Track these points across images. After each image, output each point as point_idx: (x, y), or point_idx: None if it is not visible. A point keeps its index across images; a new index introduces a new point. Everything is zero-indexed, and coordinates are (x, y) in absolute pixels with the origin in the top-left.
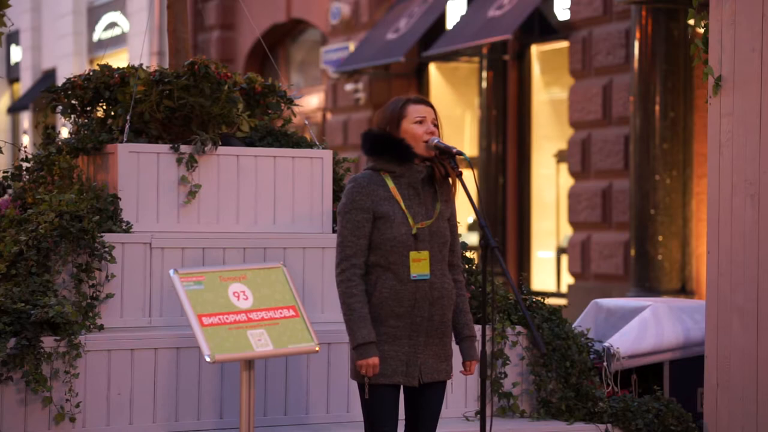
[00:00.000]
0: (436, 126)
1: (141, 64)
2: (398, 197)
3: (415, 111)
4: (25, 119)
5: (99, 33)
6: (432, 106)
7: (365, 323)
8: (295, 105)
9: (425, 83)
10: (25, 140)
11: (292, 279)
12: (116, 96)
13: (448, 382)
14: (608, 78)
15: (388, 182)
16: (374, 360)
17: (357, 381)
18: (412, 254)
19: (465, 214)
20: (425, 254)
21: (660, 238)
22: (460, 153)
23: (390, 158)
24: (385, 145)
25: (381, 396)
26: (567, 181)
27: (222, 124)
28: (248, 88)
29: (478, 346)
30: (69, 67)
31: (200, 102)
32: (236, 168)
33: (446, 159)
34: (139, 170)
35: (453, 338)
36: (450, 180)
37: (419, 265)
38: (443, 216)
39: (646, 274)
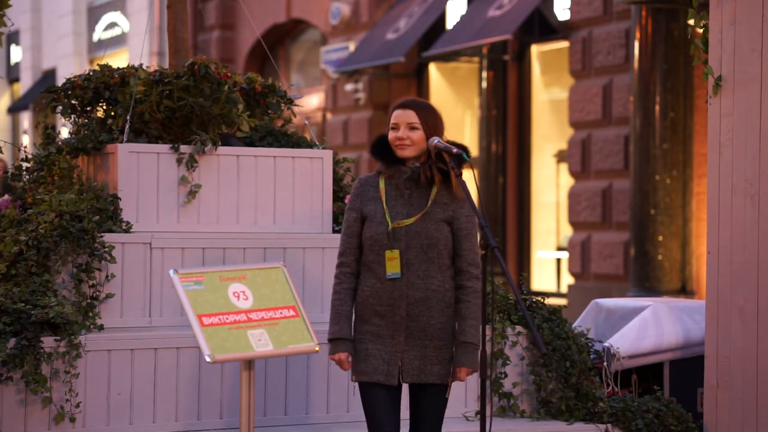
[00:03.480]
0: (417, 128)
1: (141, 64)
2: (383, 197)
3: (392, 117)
4: (25, 119)
5: (99, 33)
6: (414, 108)
7: (338, 320)
8: (295, 105)
9: (425, 83)
10: (25, 140)
11: (292, 279)
12: (116, 96)
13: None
14: (608, 78)
15: (380, 183)
16: (340, 356)
17: (353, 381)
18: (387, 253)
19: None
20: (396, 253)
21: (660, 238)
22: (461, 153)
23: (380, 160)
24: (377, 148)
25: (370, 394)
26: (567, 181)
27: (222, 124)
28: (248, 88)
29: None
30: (69, 67)
31: (200, 102)
32: (236, 168)
33: (437, 162)
34: (139, 170)
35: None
36: (452, 182)
37: (391, 264)
38: (433, 217)
39: (646, 274)
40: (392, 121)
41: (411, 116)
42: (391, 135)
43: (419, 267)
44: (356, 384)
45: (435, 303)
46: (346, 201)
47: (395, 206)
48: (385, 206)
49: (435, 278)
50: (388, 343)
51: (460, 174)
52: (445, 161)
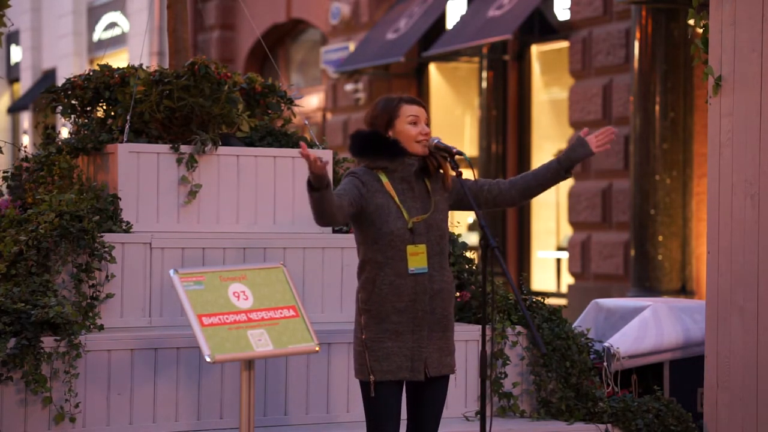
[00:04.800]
0: (428, 125)
1: (141, 64)
2: (392, 192)
3: (408, 111)
4: (25, 119)
5: (99, 33)
6: (424, 106)
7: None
8: (295, 105)
9: (425, 83)
10: (25, 140)
11: (292, 279)
12: (116, 96)
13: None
14: (608, 78)
15: (382, 178)
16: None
17: (361, 379)
18: (410, 248)
19: (465, 214)
20: (422, 248)
21: (660, 238)
22: (461, 153)
23: (381, 156)
24: (376, 145)
25: (385, 393)
26: (567, 181)
27: (222, 124)
28: (248, 88)
29: (478, 345)
30: (69, 67)
31: (200, 102)
32: (236, 168)
33: (440, 154)
34: (139, 170)
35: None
36: (442, 171)
37: (416, 258)
38: (439, 208)
39: (646, 274)
40: (410, 114)
41: (425, 113)
42: (414, 129)
43: (435, 259)
44: (359, 380)
45: (446, 294)
46: None
47: (406, 200)
48: (398, 201)
49: (446, 269)
50: (408, 339)
51: (461, 174)
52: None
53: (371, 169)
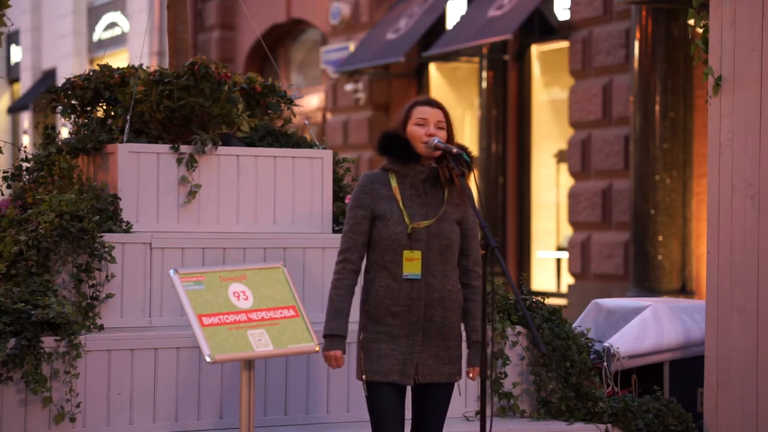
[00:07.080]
0: (443, 128)
1: (141, 64)
2: (398, 196)
3: (419, 112)
4: (25, 119)
5: (99, 33)
6: (440, 108)
7: (338, 316)
8: (295, 105)
9: (425, 83)
10: (25, 140)
11: (292, 279)
12: (116, 96)
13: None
14: (608, 78)
15: (392, 181)
16: (336, 353)
17: (358, 379)
18: (405, 253)
19: None
20: (417, 254)
21: (660, 238)
22: (460, 153)
23: (394, 158)
24: (389, 145)
25: (380, 394)
26: (567, 181)
27: (222, 124)
28: (248, 88)
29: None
30: (69, 67)
31: (200, 102)
32: (236, 168)
33: (451, 161)
34: (139, 170)
35: (467, 340)
36: (455, 182)
37: (411, 264)
38: (448, 218)
39: (646, 274)
40: (419, 116)
41: (439, 115)
42: (420, 130)
43: (437, 268)
44: (361, 384)
45: (450, 303)
46: (347, 200)
47: (411, 206)
48: (402, 206)
49: (450, 278)
50: (402, 343)
51: (462, 174)
52: (458, 162)
53: (386, 170)
